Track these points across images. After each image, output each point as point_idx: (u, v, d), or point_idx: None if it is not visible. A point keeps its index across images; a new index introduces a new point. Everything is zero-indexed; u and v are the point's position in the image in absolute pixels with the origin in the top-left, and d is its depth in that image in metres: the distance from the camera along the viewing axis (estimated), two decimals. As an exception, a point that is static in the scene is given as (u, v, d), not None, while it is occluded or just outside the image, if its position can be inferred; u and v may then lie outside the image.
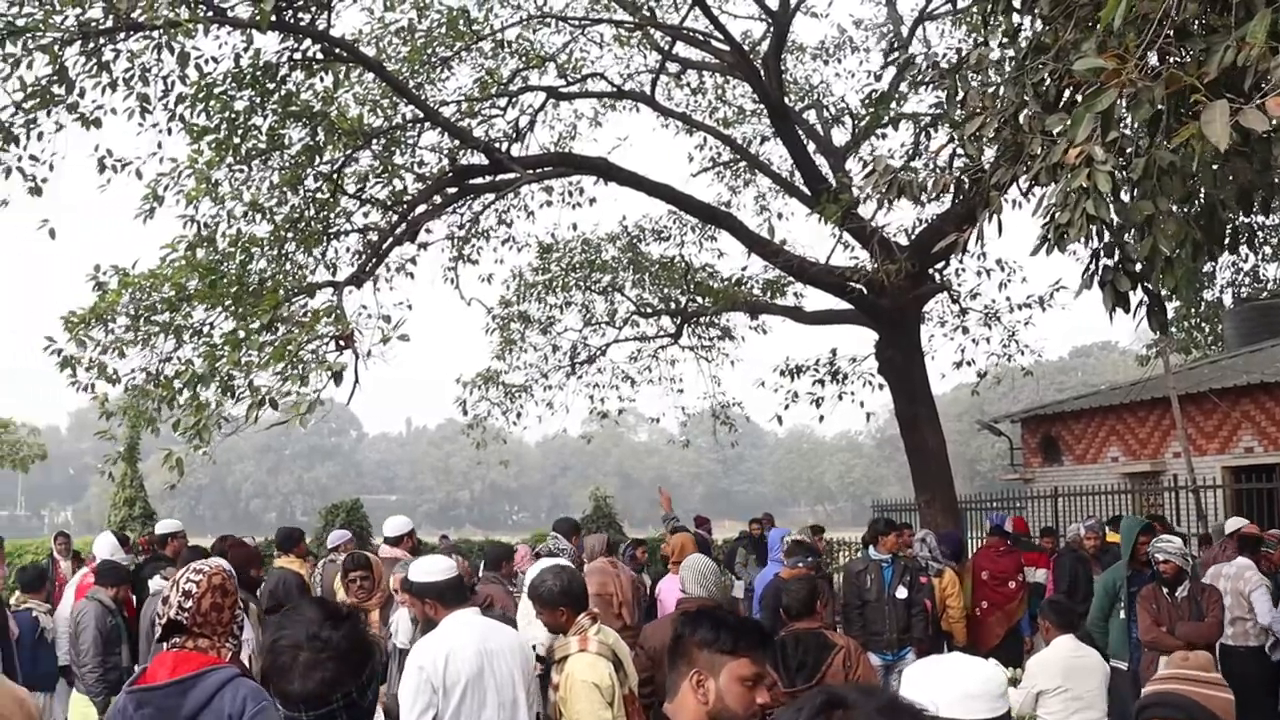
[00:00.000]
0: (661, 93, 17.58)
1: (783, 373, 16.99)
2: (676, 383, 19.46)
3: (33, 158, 9.78)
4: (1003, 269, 15.88)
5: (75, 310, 11.13)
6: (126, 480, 14.61)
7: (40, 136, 9.79)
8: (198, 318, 11.36)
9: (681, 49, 16.95)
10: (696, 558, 6.53)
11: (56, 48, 9.41)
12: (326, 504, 20.92)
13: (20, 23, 9.10)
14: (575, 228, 18.23)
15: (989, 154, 6.72)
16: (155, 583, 8.46)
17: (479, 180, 13.55)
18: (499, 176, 13.41)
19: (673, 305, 18.17)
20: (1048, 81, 5.54)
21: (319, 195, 12.67)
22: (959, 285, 16.19)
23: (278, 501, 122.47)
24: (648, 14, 15.74)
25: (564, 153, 16.39)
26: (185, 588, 3.64)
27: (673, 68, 17.66)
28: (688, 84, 18.55)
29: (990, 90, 6.22)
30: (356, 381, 9.34)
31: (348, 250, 13.54)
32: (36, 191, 9.80)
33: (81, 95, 9.93)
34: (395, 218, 13.01)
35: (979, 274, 15.83)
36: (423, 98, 13.58)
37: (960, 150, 7.74)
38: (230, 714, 3.41)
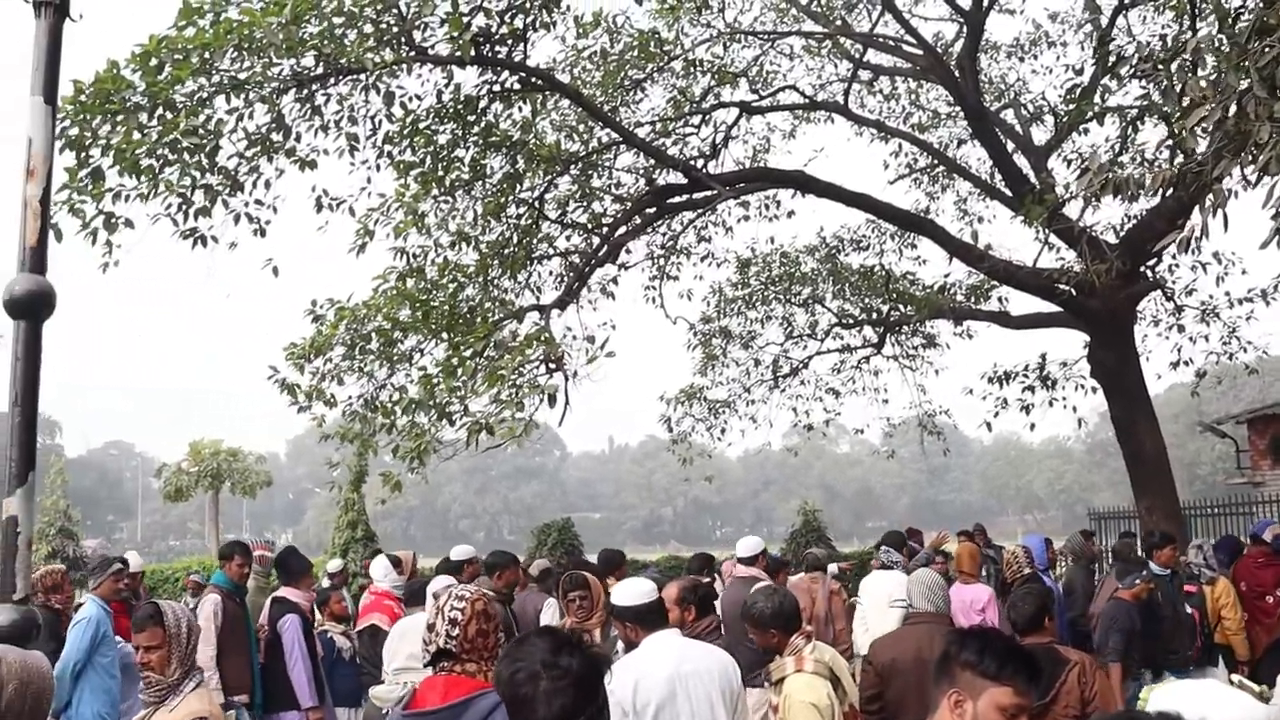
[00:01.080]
0: (854, 101, 17.43)
1: (991, 379, 16.57)
2: (881, 393, 19.19)
3: (258, 202, 10.28)
4: (1220, 262, 15.17)
5: (296, 342, 11.69)
6: (350, 504, 15.19)
7: (265, 183, 10.29)
8: (410, 345, 11.80)
9: (873, 56, 16.78)
10: (924, 572, 6.42)
11: (274, 97, 9.89)
12: (533, 523, 21.23)
13: (242, 76, 9.59)
14: (773, 241, 18.20)
15: (1204, 145, 6.43)
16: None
17: (677, 199, 13.65)
18: (696, 195, 13.48)
19: (874, 315, 17.95)
20: (1273, 65, 5.27)
21: (521, 222, 12.96)
22: (1173, 282, 15.53)
23: (485, 521, 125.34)
24: (838, 23, 15.63)
25: (761, 167, 16.39)
26: (451, 616, 3.80)
27: (865, 75, 17.49)
28: (880, 91, 18.34)
29: (1212, 79, 5.93)
30: (567, 403, 9.52)
31: (550, 274, 13.85)
32: (261, 233, 10.31)
33: (298, 140, 10.40)
34: (596, 240, 13.23)
35: (1194, 269, 15.14)
36: (618, 120, 13.75)
37: (1175, 143, 7.42)
38: None
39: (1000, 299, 17.47)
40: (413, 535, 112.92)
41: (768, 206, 16.98)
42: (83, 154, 9.07)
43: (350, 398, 12.06)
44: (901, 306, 17.34)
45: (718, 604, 7.91)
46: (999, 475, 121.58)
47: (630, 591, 5.31)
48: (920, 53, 14.79)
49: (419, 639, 4.03)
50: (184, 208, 9.75)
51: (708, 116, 15.72)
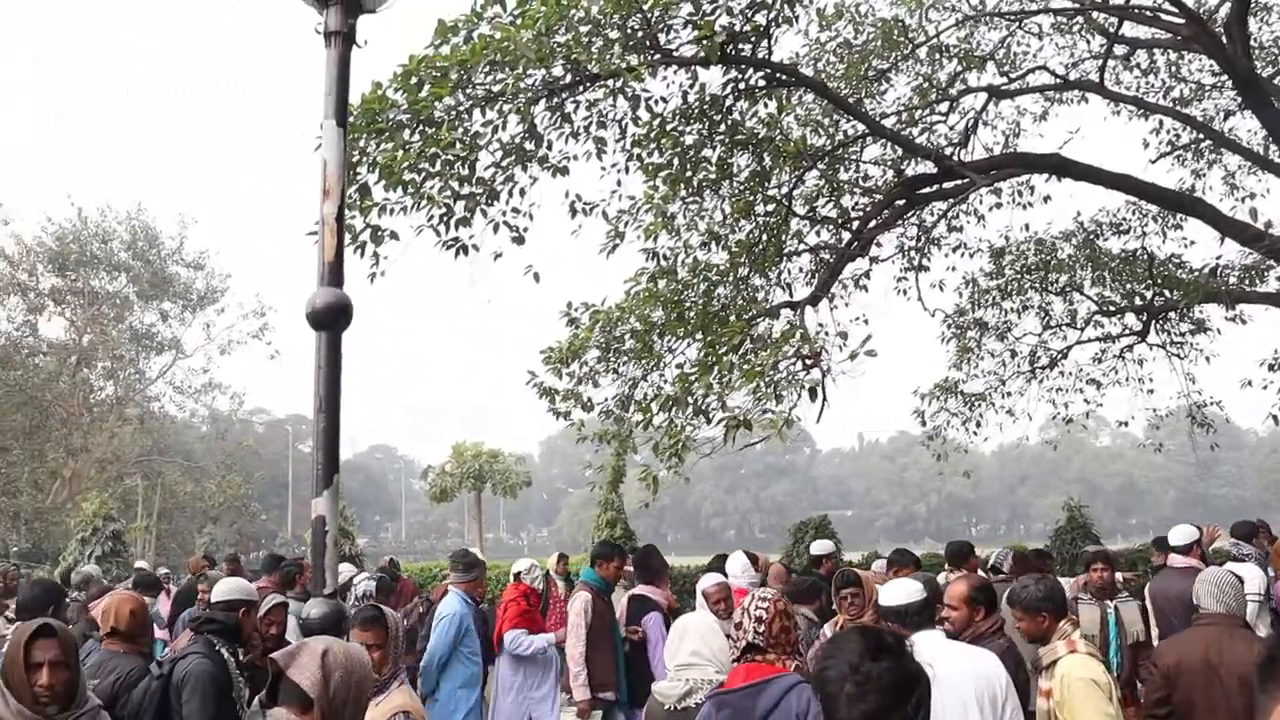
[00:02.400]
0: (1110, 78, 16.66)
1: (1271, 366, 15.58)
2: (1146, 383, 18.31)
3: (514, 210, 10.60)
4: None
5: (552, 346, 11.99)
6: (609, 503, 15.52)
7: (520, 191, 10.61)
8: (664, 345, 11.94)
9: (1129, 29, 16.00)
10: (1214, 570, 6.10)
11: (527, 107, 10.19)
12: (784, 521, 21.17)
13: (496, 89, 9.91)
14: (1027, 228, 17.60)
15: None
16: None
17: (927, 190, 13.36)
18: (946, 184, 13.18)
19: (1138, 301, 17.12)
20: None
21: (770, 219, 12.94)
22: None
23: (735, 520, 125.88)
24: (1089, -2, 15.00)
25: (1013, 153, 15.88)
26: (756, 614, 4.21)
27: (1120, 50, 16.70)
28: (1137, 65, 17.47)
29: None
30: (825, 400, 9.44)
31: (800, 270, 13.79)
32: (520, 241, 10.63)
33: (549, 147, 10.70)
34: (845, 234, 13.09)
35: None
36: (864, 112, 13.57)
37: None
38: (797, 713, 3.94)
39: (1279, 279, 16.42)
40: (663, 534, 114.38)
41: (1021, 193, 16.46)
42: (352, 171, 9.54)
43: (606, 399, 12.30)
44: (1167, 292, 16.47)
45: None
46: (1277, 468, 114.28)
47: (898, 591, 5.25)
48: (1182, 21, 14.01)
49: (700, 636, 4.18)
50: (445, 218, 10.14)
51: (955, 103, 15.35)
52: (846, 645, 2.84)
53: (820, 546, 10.57)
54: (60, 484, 36.90)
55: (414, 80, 9.47)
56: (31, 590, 7.23)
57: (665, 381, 11.92)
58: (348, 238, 9.68)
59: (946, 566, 11.04)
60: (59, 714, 3.78)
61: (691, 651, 4.75)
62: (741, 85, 11.80)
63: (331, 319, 3.65)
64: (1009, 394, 18.12)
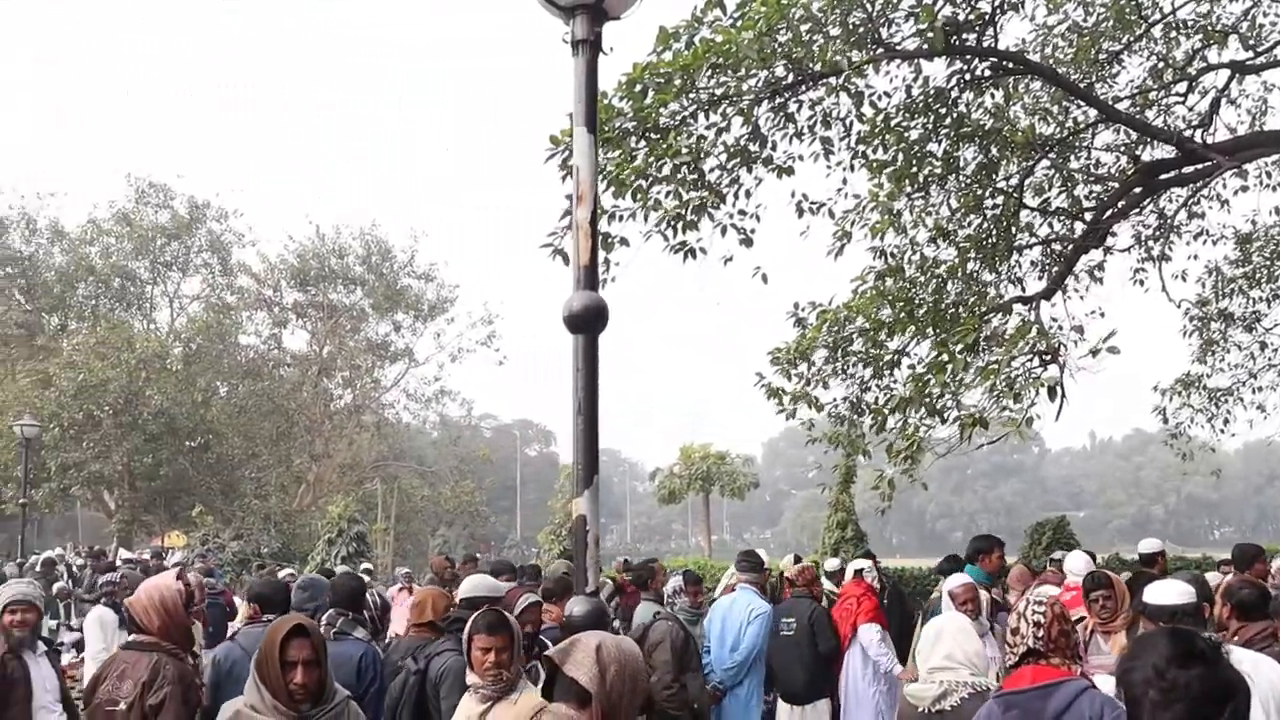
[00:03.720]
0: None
1: None
2: None
3: (741, 212, 10.62)
4: None
5: (780, 347, 11.95)
6: (840, 504, 15.39)
7: (746, 193, 10.62)
8: (893, 345, 11.76)
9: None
10: None
11: (750, 109, 10.19)
12: (1012, 522, 20.55)
13: (719, 93, 9.95)
14: (1277, 211, 16.59)
15: None
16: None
17: (1167, 175, 12.76)
18: (1186, 168, 12.56)
19: (1403, 286, 15.96)
20: None
21: (999, 212, 12.60)
22: None
23: (963, 521, 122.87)
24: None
25: (1262, 131, 14.99)
26: (1034, 619, 4.15)
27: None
28: (1401, 31, 16.27)
29: None
30: (1064, 397, 9.13)
31: (1031, 264, 13.36)
32: (747, 243, 10.64)
33: (774, 148, 10.68)
34: (1079, 225, 12.63)
35: None
36: (1096, 96, 13.06)
37: None
38: (1090, 717, 3.88)
39: None
40: (887, 537, 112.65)
41: (1269, 174, 15.54)
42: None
43: (835, 400, 12.18)
44: None
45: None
46: None
47: (1169, 590, 5.05)
48: None
49: (953, 639, 4.09)
50: (673, 223, 10.23)
51: (1195, 82, 14.59)
52: (1153, 648, 2.66)
53: (1149, 545, 10.14)
54: (305, 488, 38.81)
55: (638, 88, 9.58)
56: (269, 587, 7.56)
57: (895, 382, 11.74)
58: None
59: (1221, 569, 10.58)
60: (310, 710, 3.95)
61: (945, 655, 4.66)
62: (967, 76, 11.54)
63: (589, 322, 3.74)
64: (1259, 389, 17.13)
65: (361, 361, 40.58)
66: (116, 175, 73.91)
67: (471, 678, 4.81)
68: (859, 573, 10.68)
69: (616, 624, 9.56)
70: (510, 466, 75.33)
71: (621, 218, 9.99)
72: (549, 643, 6.34)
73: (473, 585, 6.36)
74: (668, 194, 10.22)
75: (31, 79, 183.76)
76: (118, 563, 19.12)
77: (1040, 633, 4.09)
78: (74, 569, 22.35)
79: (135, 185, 38.72)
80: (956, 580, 7.51)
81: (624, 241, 10.09)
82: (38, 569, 18.51)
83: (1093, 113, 12.77)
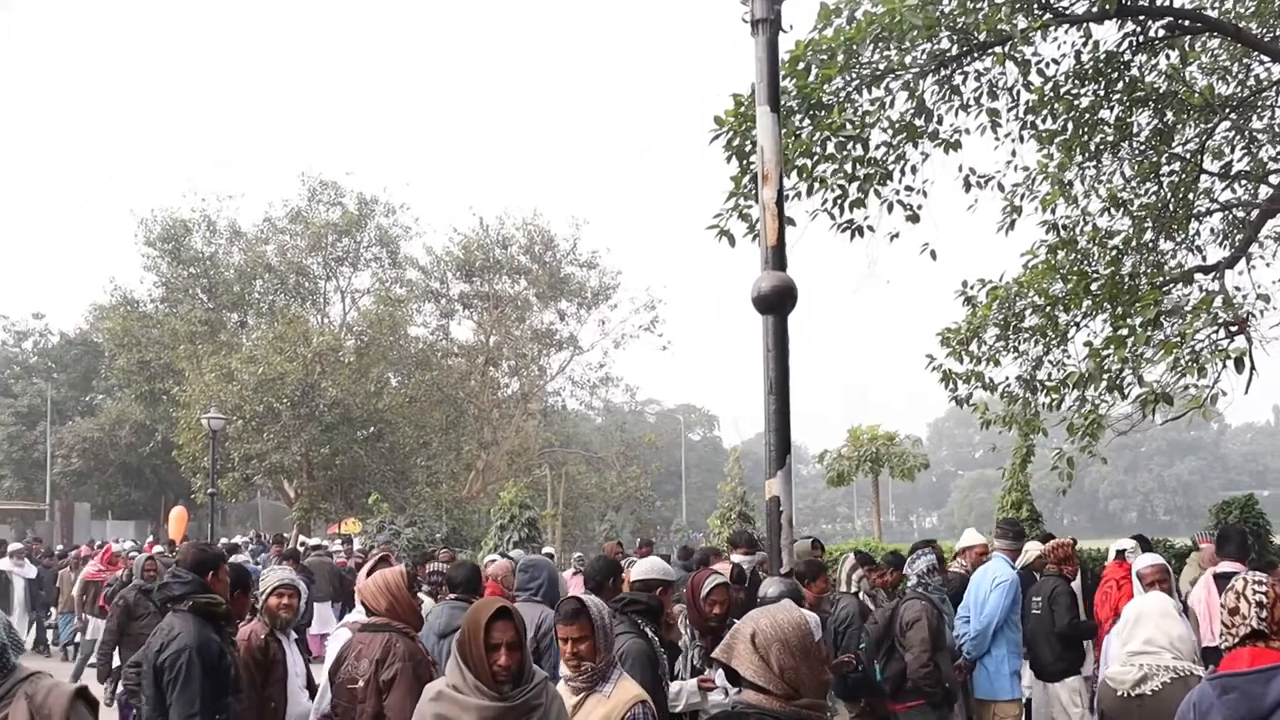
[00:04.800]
0: None
1: None
2: None
3: (908, 188, 10.46)
4: None
5: (950, 326, 11.73)
6: (1015, 484, 15.02)
7: (912, 169, 10.46)
8: (1067, 320, 11.44)
9: None
10: None
11: (914, 83, 10.03)
12: (1190, 502, 19.76)
13: (882, 67, 9.82)
14: None
15: None
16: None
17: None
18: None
19: None
20: None
21: (1176, 178, 12.14)
22: None
23: (1137, 501, 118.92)
24: None
25: None
26: (1256, 599, 4.01)
27: None
28: None
29: None
30: (1253, 369, 8.76)
31: (1211, 231, 12.85)
32: (914, 219, 10.47)
33: (939, 122, 10.50)
34: (1265, 189, 12.09)
35: None
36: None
37: None
38: None
39: None
40: (1059, 517, 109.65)
41: None
42: (745, 161, 9.68)
43: (1007, 378, 11.93)
44: None
45: None
46: None
47: None
48: None
49: (1155, 623, 3.95)
50: (839, 201, 10.14)
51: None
52: None
53: None
54: (474, 475, 39.58)
55: (801, 65, 9.51)
56: (462, 570, 7.76)
57: (1070, 358, 11.44)
58: (744, 226, 9.84)
59: None
60: (511, 691, 4.02)
61: (1145, 639, 4.52)
62: (1140, 38, 11.15)
63: (778, 302, 3.72)
64: None
65: (527, 350, 41.12)
66: (290, 175, 76.43)
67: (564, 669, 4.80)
68: (1120, 554, 10.31)
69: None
70: (674, 452, 75.50)
71: (788, 197, 9.93)
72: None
73: (645, 568, 6.41)
74: (833, 172, 10.13)
75: (210, 84, 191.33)
76: (300, 549, 19.85)
77: (1264, 613, 3.92)
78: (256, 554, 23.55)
79: (307, 184, 40.07)
80: (1145, 560, 7.28)
81: (790, 221, 10.03)
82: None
83: (1277, 69, 12.20)
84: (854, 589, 8.81)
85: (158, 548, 19.40)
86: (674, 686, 5.87)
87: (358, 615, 6.24)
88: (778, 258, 3.83)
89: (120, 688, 9.84)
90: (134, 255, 56.61)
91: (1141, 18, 10.81)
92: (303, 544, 22.06)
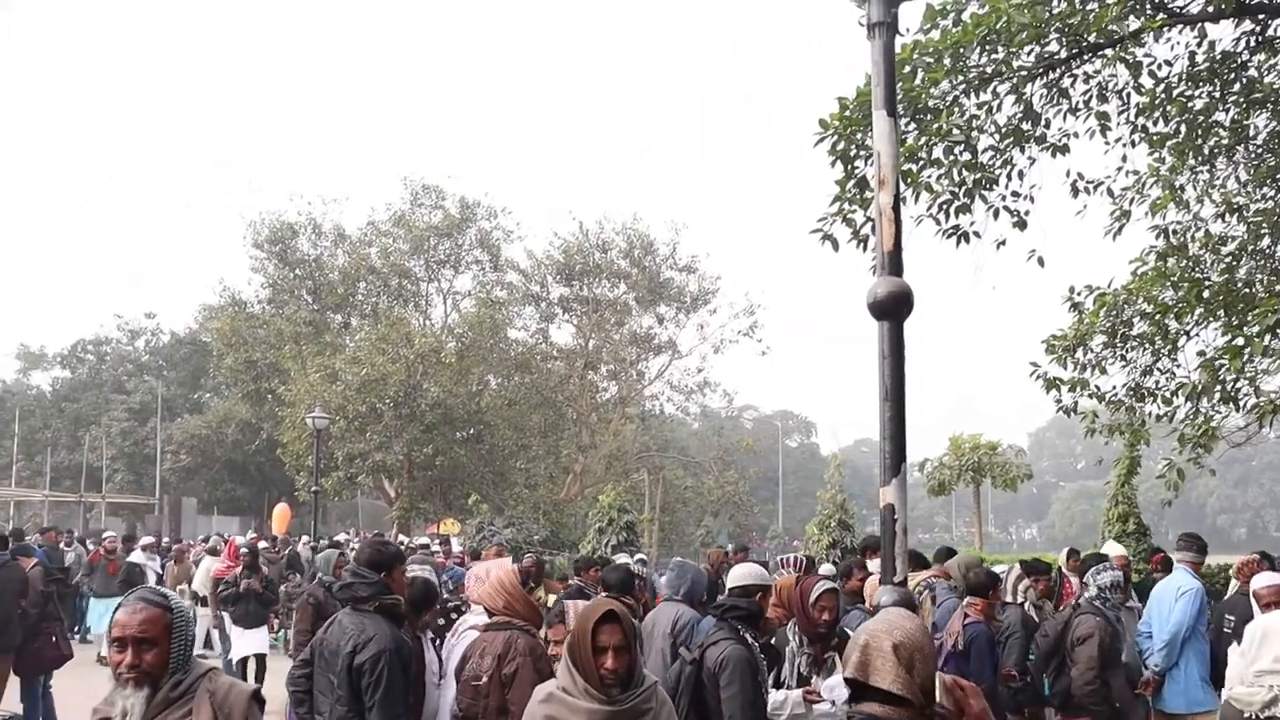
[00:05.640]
0: None
1: None
2: None
3: (1014, 194, 10.31)
4: None
5: (1056, 333, 11.54)
6: (1121, 495, 14.74)
7: (1019, 174, 10.31)
8: (1176, 328, 11.20)
9: None
10: None
11: (1021, 86, 9.90)
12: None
13: (989, 70, 9.69)
14: None
15: None
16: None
17: None
18: None
19: None
20: None
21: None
22: None
23: (1247, 517, 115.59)
24: None
25: None
26: None
27: None
28: None
29: None
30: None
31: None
32: (1021, 225, 10.32)
33: (1047, 126, 10.34)
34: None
35: None
36: None
37: None
38: None
39: None
40: (1163, 531, 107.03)
41: None
42: (849, 166, 9.63)
43: (1115, 387, 11.71)
44: None
45: None
46: None
47: None
48: None
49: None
50: (944, 206, 10.03)
51: None
52: None
53: None
54: (572, 478, 39.82)
55: (907, 68, 9.42)
56: (617, 573, 7.87)
57: (1178, 366, 11.19)
58: (847, 232, 9.79)
59: None
60: (620, 694, 3.98)
61: (1274, 658, 4.39)
62: (1258, 37, 10.88)
63: (894, 308, 3.70)
64: None
65: (626, 354, 41.28)
66: (393, 178, 77.72)
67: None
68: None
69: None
70: (770, 458, 75.14)
71: (892, 203, 9.84)
72: (848, 632, 6.31)
73: (743, 573, 6.39)
74: (938, 177, 10.03)
75: (316, 87, 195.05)
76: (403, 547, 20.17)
77: None
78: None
79: (410, 187, 40.68)
80: (1263, 580, 7.09)
81: (895, 227, 9.95)
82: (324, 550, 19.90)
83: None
84: (1020, 599, 8.70)
85: (262, 543, 19.81)
86: (776, 696, 5.81)
87: (478, 617, 6.31)
88: (894, 263, 3.80)
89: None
90: (242, 257, 58.07)
91: (1260, 16, 10.54)
92: (404, 543, 22.36)
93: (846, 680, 2.99)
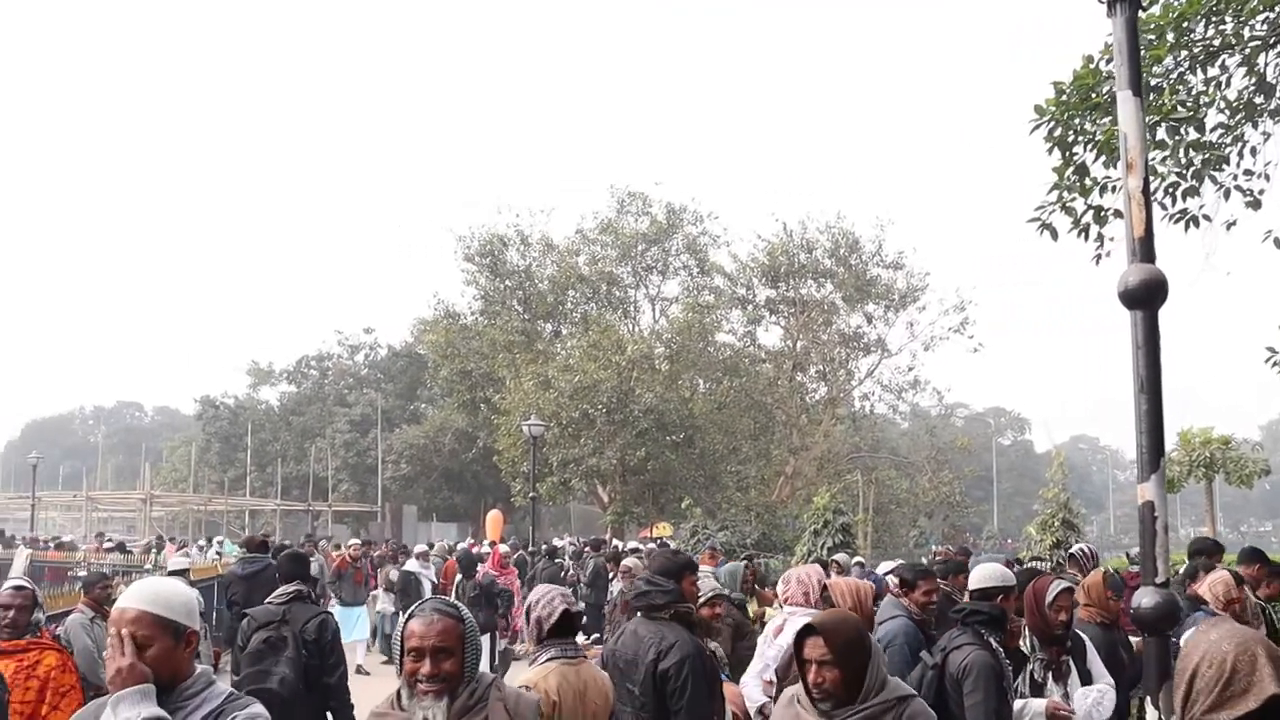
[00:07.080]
0: None
1: None
2: None
3: (1247, 172, 9.78)
4: None
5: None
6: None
7: (1251, 151, 9.77)
8: None
9: None
10: None
11: (1253, 56, 9.36)
12: None
13: (1217, 43, 9.21)
14: None
15: None
16: None
17: None
18: None
19: None
20: None
21: None
22: None
23: None
24: None
25: None
26: None
27: None
28: None
29: None
30: None
31: None
32: (1255, 205, 9.78)
33: (1287, 99, 9.77)
34: None
35: None
36: None
37: None
38: None
39: None
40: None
41: None
42: (1068, 152, 9.29)
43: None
44: None
45: None
46: None
47: None
48: None
49: None
50: (1171, 189, 9.58)
51: None
52: None
53: None
54: (784, 480, 39.64)
55: (1126, 48, 9.02)
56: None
57: None
58: (1068, 221, 9.45)
59: None
60: (832, 709, 3.80)
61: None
62: None
63: (1148, 296, 3.54)
64: None
65: (835, 354, 40.92)
66: (599, 187, 79.14)
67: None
68: None
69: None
70: (983, 456, 73.29)
71: (1114, 189, 9.44)
72: (1081, 635, 6.08)
73: (984, 575, 6.21)
74: (1163, 159, 9.58)
75: (522, 100, 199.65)
76: (624, 550, 20.51)
77: None
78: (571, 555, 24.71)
79: (616, 195, 41.25)
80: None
81: (1117, 214, 9.53)
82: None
83: None
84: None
85: (481, 548, 20.33)
86: (1016, 705, 5.60)
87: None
88: (1146, 249, 3.63)
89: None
90: (454, 271, 59.76)
91: None
92: (618, 548, 22.69)
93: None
